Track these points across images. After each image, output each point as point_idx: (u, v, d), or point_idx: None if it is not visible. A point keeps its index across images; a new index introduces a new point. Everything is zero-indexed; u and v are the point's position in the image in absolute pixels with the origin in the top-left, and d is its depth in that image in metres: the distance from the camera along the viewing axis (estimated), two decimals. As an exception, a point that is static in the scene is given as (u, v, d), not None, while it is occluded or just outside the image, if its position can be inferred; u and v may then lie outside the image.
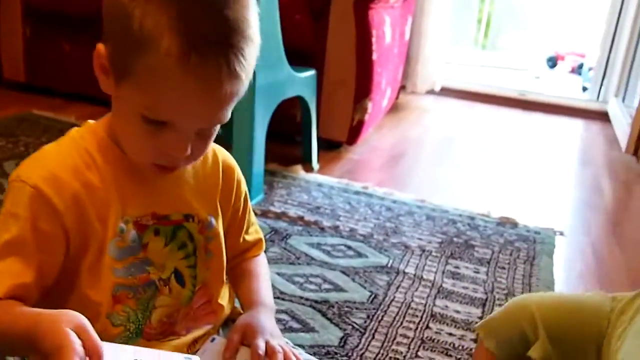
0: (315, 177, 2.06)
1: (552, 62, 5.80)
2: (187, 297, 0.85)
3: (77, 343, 0.60)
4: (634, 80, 3.27)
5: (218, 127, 0.77)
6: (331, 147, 2.38)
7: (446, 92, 3.54)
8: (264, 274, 1.01)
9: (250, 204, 0.98)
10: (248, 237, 0.98)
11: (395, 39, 2.55)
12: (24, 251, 0.72)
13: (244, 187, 0.95)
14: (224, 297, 0.92)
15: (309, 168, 2.14)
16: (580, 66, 5.27)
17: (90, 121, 0.82)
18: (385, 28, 2.36)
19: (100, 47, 0.72)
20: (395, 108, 3.12)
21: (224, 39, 0.67)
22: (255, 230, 1.00)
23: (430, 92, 3.47)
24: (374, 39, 2.20)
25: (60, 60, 2.65)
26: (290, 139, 2.36)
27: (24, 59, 2.71)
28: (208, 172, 0.87)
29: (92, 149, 0.77)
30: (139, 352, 0.67)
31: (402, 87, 3.27)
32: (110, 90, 0.74)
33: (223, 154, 0.92)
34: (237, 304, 0.98)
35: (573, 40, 5.80)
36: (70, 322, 0.62)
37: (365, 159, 2.38)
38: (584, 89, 4.38)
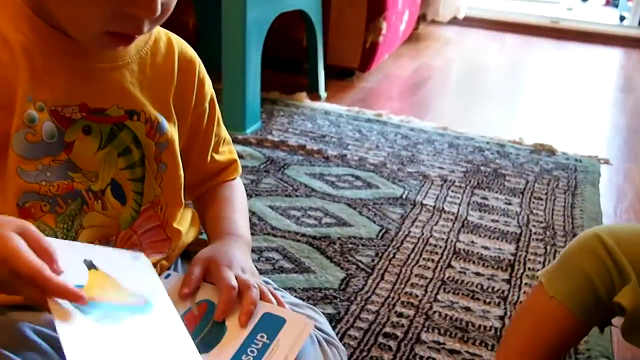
0: (322, 105, 1.82)
1: (586, -6, 5.41)
2: (129, 218, 0.66)
3: (24, 247, 0.50)
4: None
5: None
6: (343, 75, 2.13)
7: (471, 21, 3.24)
8: (238, 199, 0.80)
9: (219, 114, 0.76)
10: (218, 157, 0.78)
11: (413, -47, 2.26)
12: None
13: (209, 88, 0.74)
14: (182, 222, 0.72)
15: (315, 97, 1.89)
16: (617, -3, 4.90)
17: None
18: (401, -63, 2.08)
19: None
20: (415, 38, 2.84)
21: None
22: (229, 150, 0.80)
23: (453, 21, 3.16)
24: (387, -53, 1.92)
25: None
26: (296, 67, 2.12)
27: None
28: (159, 62, 0.67)
29: (3, 20, 0.58)
30: (88, 248, 0.59)
31: (422, 16, 2.98)
32: None
33: (181, 43, 0.71)
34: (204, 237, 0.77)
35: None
36: (7, 226, 0.50)
37: (379, 88, 2.12)
38: (622, 18, 4.05)
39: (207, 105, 0.74)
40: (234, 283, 0.64)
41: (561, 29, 3.30)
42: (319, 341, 0.67)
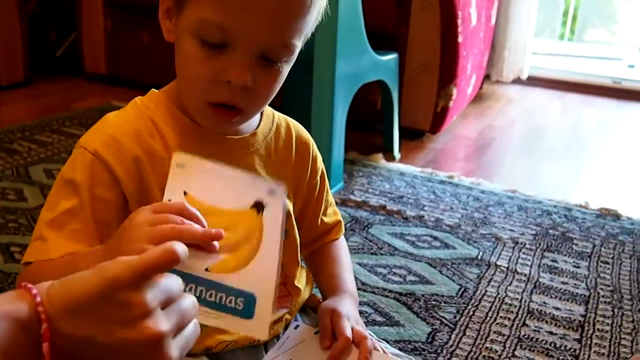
0: (397, 166, 1.96)
1: (647, 51, 5.44)
2: None
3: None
4: None
5: (287, 66, 0.69)
6: (413, 135, 2.27)
7: (533, 81, 3.35)
8: (345, 258, 0.94)
9: (327, 183, 0.91)
10: (326, 219, 0.92)
11: (481, 22, 2.41)
12: (82, 219, 0.68)
13: (320, 164, 0.88)
14: (300, 280, 0.86)
15: (390, 157, 2.04)
16: (680, 54, 4.92)
17: (154, 89, 0.78)
18: (471, 10, 2.23)
19: None
20: (479, 98, 2.97)
21: None
22: (333, 211, 0.94)
23: (517, 81, 3.29)
24: (459, 21, 2.07)
25: (139, 51, 2.66)
26: (370, 127, 2.27)
27: (105, 52, 2.74)
28: (281, 146, 0.81)
29: (155, 117, 0.73)
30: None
31: (487, 76, 3.12)
32: (173, 35, 0.71)
33: (298, 127, 0.86)
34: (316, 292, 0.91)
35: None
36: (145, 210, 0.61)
37: (449, 148, 2.26)
38: (685, 77, 4.07)
39: (318, 178, 0.89)
40: (350, 334, 0.78)
41: (623, 89, 3.37)
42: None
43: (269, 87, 0.69)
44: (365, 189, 1.75)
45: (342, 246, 0.95)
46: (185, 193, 0.63)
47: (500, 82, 3.27)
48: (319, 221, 0.91)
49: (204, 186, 0.64)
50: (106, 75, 2.79)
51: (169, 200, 0.62)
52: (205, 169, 0.64)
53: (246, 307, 0.60)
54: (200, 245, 0.59)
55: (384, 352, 0.80)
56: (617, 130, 2.74)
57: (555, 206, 1.73)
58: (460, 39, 2.09)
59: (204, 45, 0.65)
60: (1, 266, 1.22)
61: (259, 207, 0.65)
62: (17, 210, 1.46)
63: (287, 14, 0.65)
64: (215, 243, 0.60)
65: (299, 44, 0.68)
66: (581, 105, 3.17)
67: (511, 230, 1.56)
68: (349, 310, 0.83)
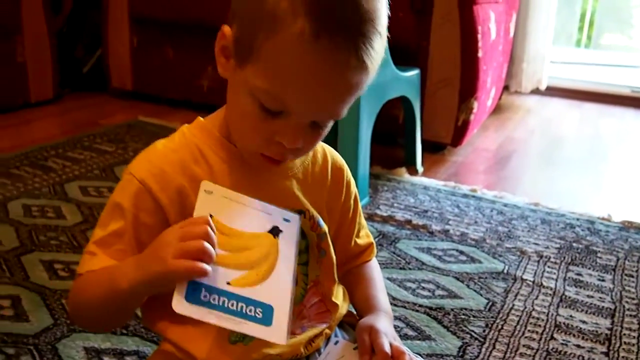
0: (420, 180, 2.00)
1: (664, 57, 5.44)
2: (299, 295, 0.83)
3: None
4: None
5: (331, 123, 0.75)
6: (434, 149, 2.31)
7: (552, 91, 3.38)
8: (378, 280, 0.98)
9: (360, 207, 0.95)
10: (359, 241, 0.97)
11: (500, 36, 2.45)
12: (126, 241, 0.74)
13: (353, 188, 0.93)
14: (337, 296, 0.90)
15: (413, 171, 2.08)
16: (697, 61, 4.91)
17: (200, 118, 0.83)
18: (491, 24, 2.27)
19: (226, 28, 0.72)
20: (498, 109, 3.00)
21: (356, 27, 0.66)
22: (366, 234, 0.98)
23: (535, 91, 3.32)
24: (479, 36, 2.12)
25: (164, 67, 2.73)
26: (392, 141, 2.32)
27: (131, 68, 2.81)
28: (317, 171, 0.86)
29: (201, 144, 0.78)
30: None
31: (505, 87, 3.15)
32: (228, 74, 0.74)
33: (333, 153, 0.91)
34: (351, 309, 0.95)
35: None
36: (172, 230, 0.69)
37: (470, 161, 2.29)
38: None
39: (352, 202, 0.94)
40: (388, 349, 0.82)
41: (641, 98, 3.39)
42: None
43: (315, 143, 0.77)
44: (390, 203, 1.80)
45: (374, 267, 0.99)
46: (211, 216, 0.68)
47: (518, 93, 3.30)
48: (353, 243, 0.95)
49: (227, 211, 0.71)
50: (132, 91, 2.85)
51: None
52: (229, 197, 0.72)
53: (265, 316, 0.67)
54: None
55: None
56: (636, 140, 2.76)
57: (577, 219, 1.76)
58: (480, 54, 2.13)
59: (262, 108, 0.69)
60: (47, 283, 1.27)
61: (275, 231, 0.73)
62: (57, 227, 1.52)
63: (341, 98, 0.70)
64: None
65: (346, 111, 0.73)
66: (599, 114, 3.20)
67: (535, 243, 1.59)
68: (386, 327, 0.87)
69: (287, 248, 0.73)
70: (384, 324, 0.88)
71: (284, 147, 0.72)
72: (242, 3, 0.71)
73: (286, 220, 0.74)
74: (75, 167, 1.95)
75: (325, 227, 0.86)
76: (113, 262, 0.74)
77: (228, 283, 0.66)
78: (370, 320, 0.87)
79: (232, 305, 0.65)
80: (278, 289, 0.69)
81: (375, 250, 0.98)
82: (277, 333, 0.66)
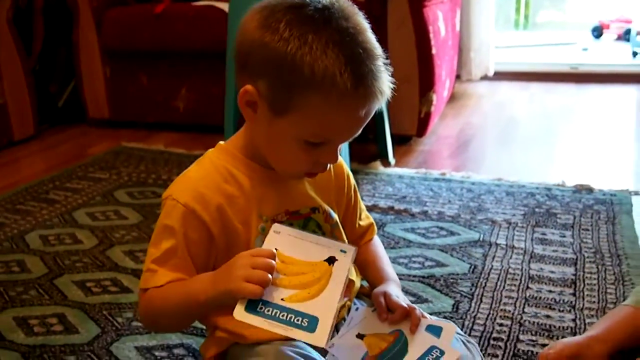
0: (394, 170, 2.21)
1: (598, 32, 5.78)
2: None
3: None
4: (686, 39, 3.31)
5: None
6: (402, 141, 2.53)
7: (500, 75, 3.64)
8: (383, 255, 1.15)
9: (358, 193, 1.13)
10: (362, 223, 1.13)
11: (448, 32, 2.69)
12: (179, 256, 0.91)
13: (352, 179, 1.10)
14: (352, 274, 1.07)
15: (386, 163, 2.29)
16: (627, 32, 5.25)
17: (221, 142, 1.00)
18: (439, 23, 2.50)
19: (249, 87, 0.86)
20: (453, 97, 3.24)
21: (376, 69, 0.84)
22: (366, 215, 1.15)
23: (484, 78, 3.57)
24: (431, 35, 2.34)
25: (139, 93, 2.88)
26: (363, 138, 2.50)
27: (107, 97, 2.95)
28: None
29: (228, 165, 0.95)
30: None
31: (457, 77, 3.39)
32: (254, 120, 0.90)
33: None
34: (364, 283, 1.13)
35: (616, 7, 5.78)
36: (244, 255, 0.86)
37: (436, 149, 2.52)
38: (634, 54, 4.40)
39: (352, 192, 1.12)
40: (407, 303, 1.00)
41: (580, 74, 3.68)
42: (462, 341, 1.04)
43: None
44: (372, 194, 2.00)
45: (378, 244, 1.17)
46: (276, 249, 0.87)
47: (470, 81, 3.55)
48: (357, 225, 1.14)
49: (290, 245, 0.88)
50: (109, 119, 2.99)
51: None
52: (293, 235, 0.90)
53: (310, 324, 0.83)
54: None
55: (429, 318, 1.04)
56: (579, 113, 3.03)
57: (537, 188, 1.99)
58: (434, 51, 2.36)
59: (306, 143, 0.87)
60: (85, 300, 1.43)
61: (331, 260, 0.89)
62: (77, 251, 1.67)
63: (366, 121, 0.87)
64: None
65: None
66: (545, 92, 3.47)
67: (503, 213, 1.82)
68: (397, 291, 1.06)
69: (340, 274, 0.89)
70: (395, 289, 1.06)
71: (326, 164, 0.91)
72: (271, 68, 0.83)
73: (343, 251, 0.91)
74: (77, 196, 2.09)
75: (336, 218, 1.03)
76: (173, 274, 0.90)
77: (282, 299, 0.85)
78: (383, 288, 1.05)
79: (283, 315, 0.83)
80: (325, 304, 0.86)
81: (375, 228, 1.16)
82: (318, 338, 0.84)
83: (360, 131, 0.89)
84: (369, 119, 0.88)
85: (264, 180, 0.95)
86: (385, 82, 0.86)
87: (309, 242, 0.90)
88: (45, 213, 1.95)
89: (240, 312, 0.82)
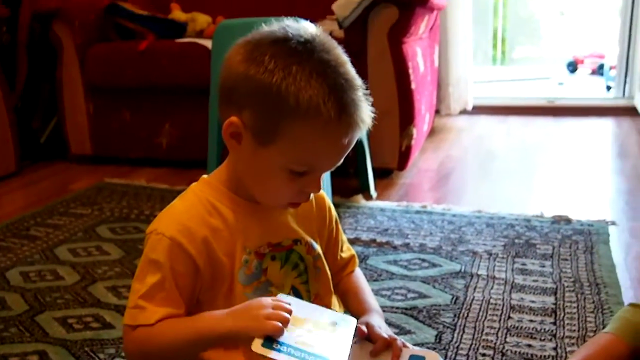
0: (376, 203, 2.24)
1: (572, 66, 5.93)
2: None
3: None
4: (657, 73, 3.41)
5: None
6: (383, 174, 2.56)
7: (478, 109, 3.71)
8: (365, 286, 1.16)
9: (340, 225, 1.15)
10: (343, 255, 1.15)
11: (427, 67, 2.74)
12: (167, 289, 0.91)
13: (334, 212, 1.12)
14: (335, 305, 1.09)
15: (368, 196, 2.31)
16: (601, 67, 5.40)
17: (204, 176, 1.01)
18: (418, 59, 2.56)
19: (234, 119, 0.89)
20: (433, 132, 3.30)
21: (357, 98, 0.87)
22: (347, 247, 1.17)
23: (463, 112, 3.64)
24: (410, 70, 2.39)
25: (123, 129, 2.89)
26: (344, 172, 2.54)
27: (89, 134, 2.96)
28: (305, 203, 1.03)
29: (212, 199, 0.96)
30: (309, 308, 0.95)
31: (437, 111, 3.45)
32: (238, 151, 0.92)
33: None
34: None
35: (589, 43, 5.94)
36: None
37: (417, 182, 2.55)
38: (608, 88, 4.51)
39: (334, 223, 1.14)
40: (385, 336, 1.02)
41: (557, 107, 3.77)
42: (444, 370, 1.05)
43: None
44: (354, 227, 2.02)
45: (360, 276, 1.18)
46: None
47: (449, 115, 3.62)
48: (339, 257, 1.15)
49: (297, 308, 0.90)
50: (92, 155, 3.00)
51: None
52: (298, 303, 0.92)
53: None
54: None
55: (412, 347, 1.05)
56: (557, 145, 3.10)
57: (516, 219, 2.03)
58: (413, 86, 2.41)
59: (291, 172, 0.89)
60: (67, 336, 1.41)
61: (333, 324, 0.92)
62: (59, 288, 1.66)
63: (350, 148, 0.90)
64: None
65: None
66: (523, 126, 3.54)
67: (484, 244, 1.84)
68: (379, 322, 1.07)
69: (346, 331, 0.93)
70: (378, 320, 1.07)
71: (309, 193, 0.93)
72: (256, 99, 0.86)
73: (344, 318, 0.95)
74: (58, 232, 2.09)
75: (318, 249, 1.05)
76: (163, 310, 0.90)
77: (296, 342, 0.87)
78: (365, 319, 1.07)
79: (297, 353, 0.85)
80: (336, 347, 0.89)
81: (357, 260, 1.18)
82: None
83: (342, 160, 0.91)
84: (351, 147, 0.90)
85: (247, 213, 0.97)
86: (366, 112, 0.89)
87: (313, 309, 0.94)
88: (26, 249, 1.94)
89: (257, 345, 0.84)
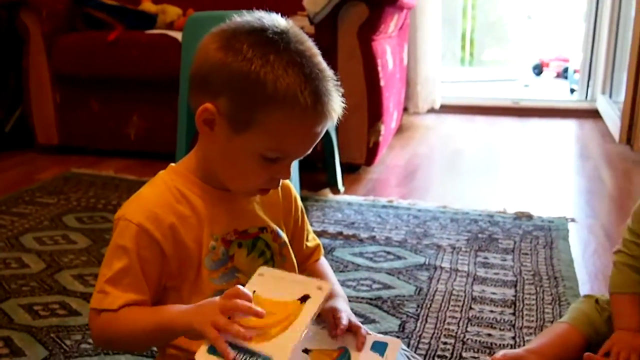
0: (343, 197, 2.26)
1: (538, 69, 6.06)
2: None
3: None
4: (617, 76, 3.50)
5: None
6: (351, 169, 2.59)
7: (446, 109, 3.77)
8: (329, 273, 1.18)
9: (305, 215, 1.17)
10: (309, 244, 1.16)
11: (396, 65, 2.78)
12: (133, 275, 0.92)
13: (299, 201, 1.14)
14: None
15: (335, 191, 2.34)
16: (565, 70, 5.53)
17: (172, 164, 1.03)
18: (387, 56, 2.59)
19: (209, 105, 0.90)
20: (401, 129, 3.34)
21: (330, 89, 0.90)
22: (313, 237, 1.19)
23: (431, 110, 3.69)
24: (379, 68, 2.42)
25: (90, 120, 2.87)
26: (312, 167, 2.57)
27: (56, 123, 2.93)
28: (271, 193, 1.04)
29: (180, 186, 0.98)
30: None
31: (405, 109, 3.50)
32: (210, 138, 0.93)
33: None
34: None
35: (555, 47, 6.07)
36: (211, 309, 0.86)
37: (384, 177, 2.59)
38: (572, 90, 4.62)
39: (300, 213, 1.16)
40: (346, 323, 1.04)
41: (522, 108, 3.85)
42: (407, 356, 1.08)
43: None
44: (321, 220, 2.04)
45: (324, 264, 1.21)
46: (254, 292, 0.88)
47: (417, 113, 3.67)
48: (304, 246, 1.17)
49: (269, 287, 0.89)
50: (58, 145, 2.97)
51: None
52: (276, 276, 0.92)
53: None
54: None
55: (374, 334, 1.08)
56: (521, 145, 3.16)
57: (479, 215, 2.07)
58: (382, 83, 2.44)
59: (263, 159, 0.90)
60: (32, 323, 1.41)
61: (304, 299, 0.90)
62: (24, 275, 1.65)
63: (320, 136, 0.92)
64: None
65: None
66: (489, 126, 3.60)
67: (448, 238, 1.88)
68: (344, 307, 1.09)
69: (308, 312, 0.89)
70: (343, 305, 1.10)
71: (279, 180, 0.96)
72: (232, 86, 0.87)
73: (319, 287, 0.92)
74: (24, 220, 2.07)
75: (284, 237, 1.07)
76: (126, 296, 0.91)
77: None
78: (331, 304, 1.09)
79: (239, 356, 0.84)
80: (282, 345, 0.87)
81: (322, 249, 1.20)
82: None
83: (312, 148, 0.94)
84: (322, 136, 0.93)
85: (215, 201, 0.98)
86: (338, 102, 0.91)
87: (287, 281, 0.92)
88: (-9, 238, 1.92)
89: (202, 354, 0.85)
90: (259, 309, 0.85)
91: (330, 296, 1.13)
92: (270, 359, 0.86)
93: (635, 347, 1.18)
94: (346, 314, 1.05)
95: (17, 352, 1.30)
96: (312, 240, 1.18)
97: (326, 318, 1.05)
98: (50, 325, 1.40)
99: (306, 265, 1.18)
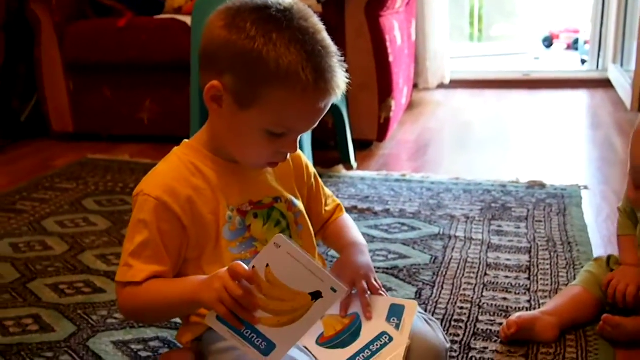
0: (356, 173, 2.29)
1: (548, 42, 6.02)
2: None
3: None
4: (628, 45, 3.49)
5: None
6: (363, 146, 2.61)
7: (455, 84, 3.77)
8: (351, 224, 1.19)
9: (321, 181, 1.18)
10: (328, 208, 1.19)
11: (404, 41, 2.79)
12: (153, 247, 0.96)
13: (312, 168, 1.16)
14: (318, 262, 1.13)
15: (348, 167, 2.36)
16: (576, 41, 5.49)
17: (186, 140, 1.06)
18: (396, 32, 2.60)
19: (216, 82, 0.93)
20: (411, 105, 3.35)
21: (333, 65, 0.92)
22: (332, 200, 1.21)
23: (441, 86, 3.70)
24: (388, 44, 2.43)
25: (103, 106, 2.90)
26: (325, 145, 2.59)
27: (70, 111, 2.96)
28: (281, 164, 1.06)
29: (194, 160, 1.01)
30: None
31: (415, 85, 3.50)
32: (219, 114, 0.96)
33: None
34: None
35: (564, 19, 6.02)
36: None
37: (396, 152, 2.61)
38: (583, 61, 4.60)
39: (313, 180, 1.17)
40: (367, 290, 1.06)
41: (532, 80, 3.83)
42: (424, 319, 1.11)
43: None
44: (335, 195, 2.04)
45: (346, 218, 1.20)
46: (267, 265, 0.85)
47: (427, 89, 3.67)
48: (323, 211, 1.18)
49: (284, 266, 0.85)
50: (73, 132, 3.01)
51: (253, 267, 0.85)
52: (292, 254, 0.84)
53: (266, 348, 0.88)
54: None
55: (391, 298, 1.09)
56: (531, 116, 3.17)
57: (492, 185, 2.09)
58: (391, 59, 2.45)
59: (269, 134, 0.93)
60: (59, 301, 1.45)
61: (315, 295, 0.86)
62: (49, 257, 1.69)
63: (325, 111, 0.94)
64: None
65: None
66: (498, 99, 3.60)
67: (462, 209, 1.91)
68: (357, 261, 1.07)
69: (317, 311, 0.87)
70: (355, 257, 1.08)
71: (286, 154, 0.98)
72: (236, 63, 0.90)
73: (333, 290, 0.86)
74: (44, 206, 2.11)
75: (299, 206, 1.09)
76: (148, 268, 0.95)
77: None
78: (342, 261, 1.08)
79: (246, 333, 0.88)
80: (288, 336, 0.90)
81: (343, 208, 1.21)
82: None
83: (317, 123, 0.96)
84: (326, 111, 0.95)
85: (228, 173, 1.01)
86: (342, 78, 0.93)
87: (303, 267, 0.85)
88: (14, 222, 1.96)
89: (211, 319, 0.88)
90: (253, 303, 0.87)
91: (347, 245, 1.12)
92: (274, 345, 0.89)
93: (634, 278, 1.24)
94: (360, 275, 1.06)
95: (46, 328, 1.34)
96: (331, 204, 1.20)
97: (348, 283, 1.06)
98: (76, 302, 1.44)
99: (327, 224, 1.19)
